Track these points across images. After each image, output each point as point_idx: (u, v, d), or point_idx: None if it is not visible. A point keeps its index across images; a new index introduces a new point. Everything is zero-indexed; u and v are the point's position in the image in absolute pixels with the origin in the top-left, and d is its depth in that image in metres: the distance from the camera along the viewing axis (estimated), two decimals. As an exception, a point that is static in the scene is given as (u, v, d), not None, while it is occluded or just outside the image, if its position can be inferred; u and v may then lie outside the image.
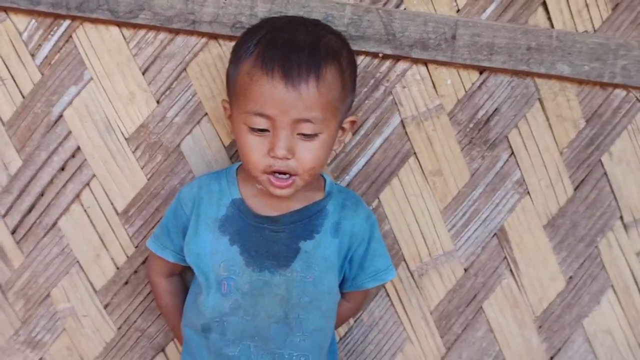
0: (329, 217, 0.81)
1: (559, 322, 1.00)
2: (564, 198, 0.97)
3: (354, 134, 0.94)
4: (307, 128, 0.72)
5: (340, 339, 1.00)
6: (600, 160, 0.96)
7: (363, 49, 0.89)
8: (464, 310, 0.99)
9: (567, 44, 0.89)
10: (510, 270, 0.99)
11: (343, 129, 0.80)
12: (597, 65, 0.90)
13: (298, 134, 0.72)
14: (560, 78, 0.92)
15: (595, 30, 0.91)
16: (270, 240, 0.79)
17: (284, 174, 0.73)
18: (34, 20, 0.91)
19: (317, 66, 0.71)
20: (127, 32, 0.91)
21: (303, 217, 0.80)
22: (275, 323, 0.79)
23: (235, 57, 0.76)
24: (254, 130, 0.73)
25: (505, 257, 0.98)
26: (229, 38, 0.90)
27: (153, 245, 0.87)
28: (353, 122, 0.82)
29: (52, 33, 0.92)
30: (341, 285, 0.85)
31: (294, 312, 0.79)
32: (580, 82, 0.93)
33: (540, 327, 1.00)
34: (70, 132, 0.94)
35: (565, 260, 0.99)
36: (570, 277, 0.99)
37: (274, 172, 0.73)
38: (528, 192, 0.97)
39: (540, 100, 0.94)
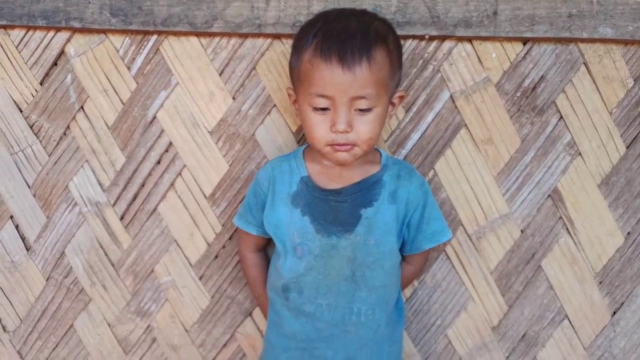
0: (386, 187, 0.90)
1: (620, 277, 1.02)
2: (616, 156, 1.00)
3: (406, 110, 1.03)
4: (362, 104, 0.82)
5: (407, 300, 1.09)
6: (651, 117, 0.98)
7: (410, 33, 0.98)
8: (523, 269, 1.05)
9: (608, 7, 0.92)
10: (567, 229, 1.03)
11: (393, 103, 0.89)
12: (641, 25, 0.93)
13: (355, 109, 0.82)
14: (604, 41, 0.96)
15: (636, -8, 0.94)
16: (335, 209, 0.89)
17: (345, 145, 0.84)
18: (127, 38, 1.08)
19: (368, 49, 0.81)
20: (204, 41, 1.06)
21: (362, 188, 0.89)
22: (344, 280, 0.89)
23: (297, 49, 0.87)
24: (317, 109, 0.83)
25: (561, 217, 1.03)
26: (290, 36, 1.01)
27: (238, 222, 1.01)
28: (402, 97, 0.91)
29: (143, 47, 1.08)
30: (402, 249, 0.94)
31: (359, 270, 0.88)
32: (625, 42, 0.96)
33: (600, 282, 1.03)
34: (163, 130, 1.09)
35: (622, 216, 1.01)
36: (629, 233, 1.01)
37: (336, 144, 0.84)
38: (580, 153, 1.01)
39: (586, 64, 0.98)
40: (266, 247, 1.05)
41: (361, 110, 0.83)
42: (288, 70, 0.94)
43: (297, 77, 0.87)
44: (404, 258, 0.97)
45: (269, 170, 0.95)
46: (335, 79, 0.80)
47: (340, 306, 0.89)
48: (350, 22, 0.84)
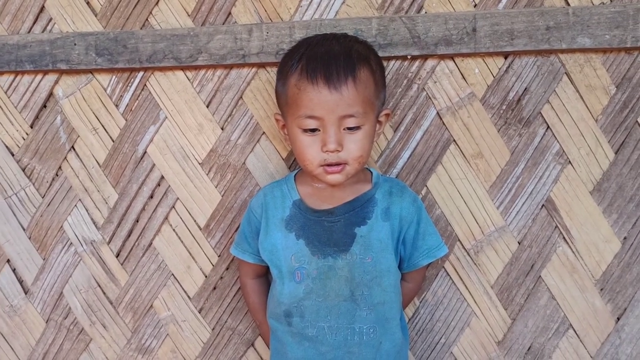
0: (379, 204, 0.90)
1: (620, 282, 1.02)
2: (606, 162, 1.00)
3: (395, 130, 1.03)
4: (351, 122, 0.83)
5: (409, 319, 1.08)
6: (637, 121, 0.99)
7: (393, 54, 0.99)
8: (523, 280, 1.04)
9: (584, 17, 0.94)
10: (564, 237, 1.02)
11: (380, 122, 0.91)
12: (618, 33, 0.94)
13: (344, 128, 0.84)
14: (583, 50, 0.97)
15: (611, 1, 0.96)
16: (329, 230, 0.89)
17: (337, 165, 0.84)
18: (114, 77, 1.09)
19: (353, 69, 0.83)
20: (190, 74, 1.07)
21: (355, 207, 0.90)
22: (343, 301, 0.88)
23: (282, 74, 0.89)
24: (306, 131, 0.84)
25: (557, 226, 1.02)
26: (275, 64, 1.03)
27: (234, 251, 1.00)
28: (387, 115, 0.93)
29: (130, 84, 1.09)
30: (400, 266, 0.94)
31: (358, 289, 0.88)
32: (604, 51, 0.97)
33: (601, 289, 1.03)
34: (154, 165, 1.10)
35: (617, 222, 1.01)
36: (625, 238, 1.01)
37: (327, 165, 0.84)
38: (569, 162, 1.01)
39: (568, 74, 0.99)
40: (266, 273, 1.04)
41: (350, 128, 0.84)
42: (275, 97, 0.95)
43: (284, 102, 0.88)
44: (402, 276, 0.96)
45: (261, 197, 0.95)
46: (323, 99, 0.82)
47: (342, 327, 0.88)
48: (333, 45, 0.86)
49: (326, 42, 0.88)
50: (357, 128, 0.84)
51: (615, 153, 1.00)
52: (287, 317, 0.91)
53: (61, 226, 1.13)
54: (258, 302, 1.02)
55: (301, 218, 0.91)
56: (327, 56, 0.84)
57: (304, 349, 0.90)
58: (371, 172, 0.95)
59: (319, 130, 0.84)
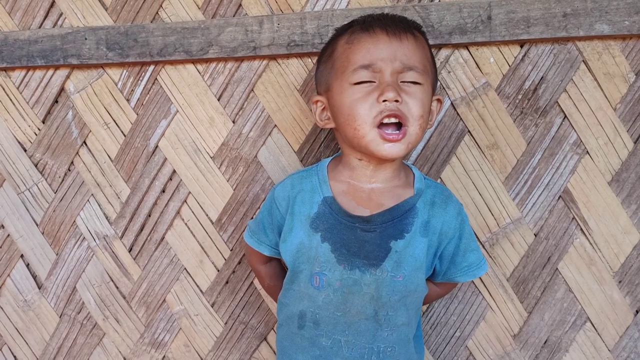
0: (419, 216, 0.78)
1: (639, 274, 1.00)
2: (625, 152, 0.98)
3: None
4: (411, 75, 0.73)
5: (424, 313, 1.06)
6: (657, 110, 0.97)
7: (406, 44, 0.97)
8: (540, 273, 1.02)
9: (602, 3, 0.92)
10: (581, 229, 1.01)
11: (431, 110, 0.81)
12: (638, 18, 0.92)
13: (402, 82, 0.73)
14: (601, 37, 0.95)
15: (630, -14, 0.93)
16: (361, 239, 0.77)
17: (395, 117, 0.72)
18: (125, 71, 1.09)
19: (411, 28, 0.76)
20: (201, 67, 1.06)
21: (394, 217, 0.77)
22: (365, 319, 0.78)
23: (328, 49, 0.80)
24: (360, 84, 0.73)
25: (574, 218, 1.00)
26: (286, 56, 1.02)
27: (250, 240, 0.91)
28: (439, 101, 0.83)
29: (141, 79, 1.08)
30: (433, 276, 0.86)
31: (383, 309, 0.78)
32: (623, 37, 0.95)
33: (620, 282, 1.01)
34: (166, 159, 1.09)
35: (636, 213, 0.99)
36: (645, 229, 0.99)
37: (383, 122, 0.72)
38: (587, 152, 0.99)
39: (585, 62, 0.97)
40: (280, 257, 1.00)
41: (409, 82, 0.73)
42: (314, 83, 0.87)
43: (329, 71, 0.78)
44: (434, 282, 0.90)
45: (288, 188, 0.84)
46: (381, 46, 0.73)
47: (359, 345, 0.79)
48: (388, 15, 0.81)
49: (377, 14, 0.80)
50: (417, 84, 0.73)
51: (635, 143, 0.98)
52: (300, 319, 0.82)
53: (74, 221, 1.13)
54: (274, 285, 0.95)
55: (330, 219, 0.79)
56: (384, 17, 0.77)
57: (315, 356, 0.81)
58: (414, 174, 0.83)
59: (375, 82, 0.73)
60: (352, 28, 0.78)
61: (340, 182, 0.82)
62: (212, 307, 1.12)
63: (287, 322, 0.85)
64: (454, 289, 1.05)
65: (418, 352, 0.87)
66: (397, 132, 0.73)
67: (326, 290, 0.78)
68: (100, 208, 1.12)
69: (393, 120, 0.72)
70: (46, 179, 1.13)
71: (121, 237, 1.13)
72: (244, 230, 1.08)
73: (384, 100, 0.71)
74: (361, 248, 0.77)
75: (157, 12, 1.06)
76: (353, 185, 0.81)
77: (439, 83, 1.01)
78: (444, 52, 1.00)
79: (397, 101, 0.72)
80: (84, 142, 1.12)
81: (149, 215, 1.11)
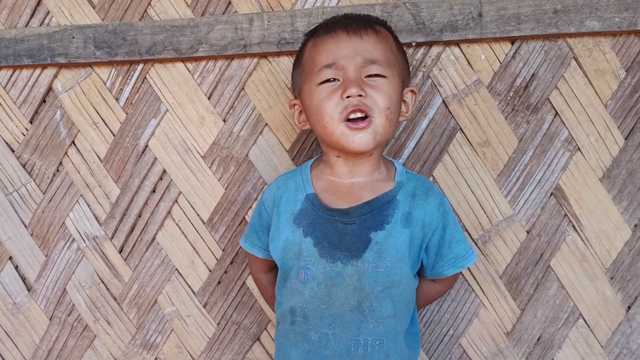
0: (400, 208, 0.80)
1: (631, 271, 1.00)
2: (616, 149, 0.98)
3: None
4: (374, 69, 0.76)
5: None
6: (648, 106, 0.97)
7: (397, 42, 0.97)
8: (532, 270, 1.02)
9: (592, 0, 0.92)
10: (573, 226, 1.01)
11: (404, 101, 0.83)
12: (628, 15, 0.92)
13: (366, 76, 0.76)
14: (592, 34, 0.95)
15: (620, -18, 0.94)
16: (341, 232, 0.79)
17: (360, 112, 0.74)
18: (113, 70, 1.07)
19: (372, 24, 0.80)
20: (191, 66, 1.05)
21: (373, 208, 0.79)
22: (349, 311, 0.79)
23: (299, 54, 0.85)
24: (325, 82, 0.76)
25: (566, 214, 1.01)
26: (277, 54, 1.01)
27: (244, 244, 0.94)
28: (413, 92, 0.84)
29: (129, 77, 1.07)
30: (423, 271, 0.87)
31: (367, 301, 0.79)
32: (613, 34, 0.95)
33: (612, 278, 1.01)
34: (156, 159, 1.08)
35: (627, 209, 0.99)
36: (636, 225, 0.99)
37: (349, 117, 0.74)
38: (579, 148, 0.99)
39: (576, 59, 0.97)
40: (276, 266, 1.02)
41: (373, 76, 0.76)
42: (291, 86, 0.90)
43: (300, 74, 0.83)
44: (429, 279, 0.90)
45: (274, 190, 0.87)
46: (342, 44, 0.76)
47: (345, 337, 0.80)
48: (352, 15, 0.85)
49: (344, 15, 0.86)
50: (381, 77, 0.76)
51: (625, 139, 0.98)
52: (292, 315, 0.84)
53: (63, 222, 1.12)
54: (275, 295, 0.94)
55: (312, 214, 0.81)
56: (346, 17, 0.82)
57: (306, 351, 0.82)
58: (396, 168, 0.85)
59: (339, 80, 0.76)
60: (317, 32, 0.82)
61: (322, 180, 0.84)
62: (204, 307, 1.11)
63: (282, 319, 0.87)
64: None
65: (411, 349, 0.87)
66: (364, 122, 0.75)
67: (311, 283, 0.80)
68: (90, 209, 1.11)
69: (359, 115, 0.75)
70: (35, 180, 1.12)
71: (111, 238, 1.11)
72: (236, 230, 1.07)
73: (348, 97, 0.74)
74: (342, 240, 0.79)
75: (145, 10, 1.05)
76: (334, 182, 0.83)
77: (430, 80, 1.00)
78: (435, 50, 0.99)
79: (360, 95, 0.74)
80: (73, 142, 1.10)
81: (140, 216, 1.10)
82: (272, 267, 0.97)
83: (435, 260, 0.84)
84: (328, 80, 0.76)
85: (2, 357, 1.18)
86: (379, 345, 0.80)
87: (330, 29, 0.79)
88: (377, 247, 0.78)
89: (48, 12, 1.07)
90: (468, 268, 1.03)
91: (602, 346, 1.03)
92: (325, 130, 0.77)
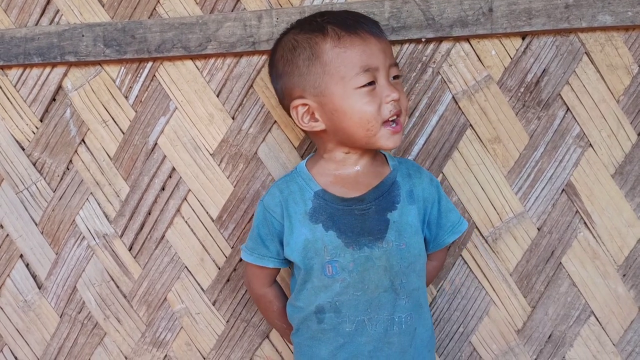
0: (402, 187, 0.86)
1: (645, 267, 0.99)
2: (628, 145, 0.97)
3: (409, 115, 1.01)
4: (395, 70, 0.82)
5: (427, 308, 1.06)
6: (661, 102, 0.96)
7: (406, 38, 0.96)
8: (543, 267, 1.02)
9: (605, -6, 0.91)
10: (585, 223, 1.00)
11: None
12: (641, 9, 0.91)
13: (392, 77, 0.82)
14: (604, 29, 0.94)
15: (633, -24, 0.92)
16: (361, 218, 0.83)
17: (398, 114, 0.81)
18: (123, 68, 1.08)
19: (378, 23, 0.86)
20: (199, 63, 1.05)
21: (383, 191, 0.84)
22: (384, 292, 0.83)
23: (304, 52, 0.80)
24: (363, 87, 0.78)
25: (577, 211, 1.00)
26: (285, 51, 1.01)
27: (250, 258, 0.92)
28: None
29: (139, 75, 1.07)
30: (425, 247, 0.90)
31: (397, 278, 0.83)
32: (626, 28, 0.94)
33: (624, 275, 1.00)
34: (165, 157, 1.08)
35: (640, 205, 0.99)
36: (649, 222, 0.99)
37: (389, 120, 0.80)
38: (590, 145, 0.98)
39: (588, 54, 0.96)
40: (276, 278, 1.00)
41: (395, 77, 0.83)
42: (284, 91, 0.86)
43: (319, 75, 0.80)
44: (427, 256, 0.93)
45: (277, 195, 0.87)
46: (374, 48, 0.79)
47: (382, 319, 0.83)
48: (345, 12, 0.87)
49: (326, 12, 0.87)
50: (399, 77, 0.84)
51: (638, 135, 0.97)
52: (319, 314, 0.84)
53: (73, 220, 1.12)
54: (282, 307, 0.96)
55: (327, 208, 0.83)
56: (348, 14, 0.84)
57: (337, 346, 0.84)
58: (383, 154, 0.91)
59: (374, 84, 0.79)
60: (328, 29, 0.80)
61: (326, 176, 0.87)
62: (213, 305, 1.11)
63: (304, 323, 0.87)
64: (444, 274, 1.04)
65: (431, 321, 0.92)
66: (399, 126, 0.82)
67: (341, 275, 0.82)
68: (100, 207, 1.12)
69: (395, 117, 0.81)
70: (45, 178, 1.12)
71: (121, 236, 1.12)
72: (245, 227, 1.07)
73: (391, 101, 0.80)
74: (364, 226, 0.83)
75: (154, 8, 1.05)
76: (339, 175, 0.86)
77: (439, 76, 1.00)
78: (445, 45, 0.99)
79: (398, 99, 0.80)
80: (83, 140, 1.11)
81: (149, 214, 1.10)
82: (274, 280, 0.98)
83: (436, 231, 0.90)
84: (365, 85, 0.79)
85: (13, 354, 1.19)
86: (410, 319, 0.85)
87: (352, 29, 0.79)
88: (395, 226, 0.83)
89: (58, 11, 1.08)
90: (478, 266, 1.03)
91: (614, 344, 1.02)
92: (368, 132, 0.80)
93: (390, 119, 0.81)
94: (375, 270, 0.82)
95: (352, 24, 0.80)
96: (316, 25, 0.82)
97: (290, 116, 0.87)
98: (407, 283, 0.84)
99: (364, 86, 0.79)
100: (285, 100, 0.87)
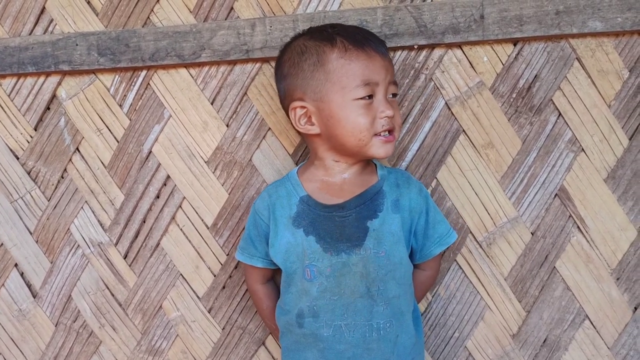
0: (387, 196, 0.87)
1: (637, 271, 0.99)
2: (620, 149, 0.98)
3: (403, 122, 1.02)
4: (394, 88, 0.86)
5: (422, 314, 1.06)
6: (651, 106, 0.97)
7: (399, 45, 0.97)
8: (537, 272, 1.02)
9: (595, 0, 0.92)
10: (578, 227, 1.00)
11: None
12: (631, 15, 0.92)
13: (390, 94, 0.86)
14: (594, 35, 0.95)
15: (622, -18, 0.93)
16: (340, 225, 0.85)
17: (390, 131, 0.85)
18: (117, 76, 1.08)
19: (386, 45, 0.89)
20: (193, 71, 1.06)
21: (365, 200, 0.86)
22: (360, 298, 0.84)
23: (311, 57, 0.83)
24: (360, 99, 0.82)
25: (571, 216, 1.00)
26: (279, 59, 1.02)
27: (241, 257, 0.97)
28: None
29: (133, 84, 1.08)
30: (412, 257, 0.92)
31: (374, 285, 0.84)
32: (616, 34, 0.95)
33: (618, 279, 1.00)
34: (160, 164, 1.09)
35: (632, 209, 0.99)
36: (642, 225, 0.99)
37: (381, 132, 0.84)
38: (582, 149, 0.99)
39: (579, 59, 0.97)
40: (274, 276, 1.02)
41: (393, 95, 0.86)
42: (287, 89, 0.87)
43: (321, 82, 0.83)
44: (417, 265, 0.95)
45: (266, 199, 0.91)
46: (378, 64, 0.83)
47: (359, 325, 0.84)
48: (352, 26, 0.90)
49: (337, 24, 0.90)
50: (396, 96, 0.88)
51: (630, 139, 0.98)
52: (299, 318, 0.87)
53: (68, 229, 1.12)
54: (272, 306, 0.99)
55: (310, 214, 0.87)
56: (359, 30, 0.87)
57: (319, 350, 0.85)
58: (374, 164, 0.93)
59: (372, 98, 0.83)
60: (337, 40, 0.83)
61: (314, 182, 0.90)
62: (209, 312, 1.11)
63: (288, 327, 0.89)
64: (439, 280, 1.04)
65: (417, 329, 0.93)
66: (392, 136, 0.86)
67: (319, 279, 0.85)
68: (95, 215, 1.11)
69: (387, 132, 0.86)
70: (39, 187, 1.12)
71: (116, 244, 1.12)
72: (240, 234, 1.08)
73: (384, 117, 0.83)
74: (342, 233, 0.85)
75: (148, 17, 1.05)
76: (326, 182, 0.89)
77: (432, 83, 1.01)
78: (437, 52, 0.99)
79: (392, 116, 0.84)
80: (77, 148, 1.11)
81: (144, 222, 1.10)
82: (269, 278, 1.01)
83: (423, 242, 0.91)
84: (363, 97, 0.82)
85: (8, 363, 1.19)
86: (389, 326, 0.85)
87: (359, 44, 0.83)
88: (375, 234, 0.85)
89: (52, 20, 1.08)
90: (473, 271, 1.03)
91: (608, 347, 1.02)
92: (360, 142, 0.84)
93: (382, 133, 0.84)
94: (352, 276, 0.84)
95: (360, 39, 0.83)
96: (326, 34, 0.85)
97: (287, 116, 0.89)
98: (385, 290, 0.85)
99: (362, 98, 0.82)
100: (285, 100, 0.90)
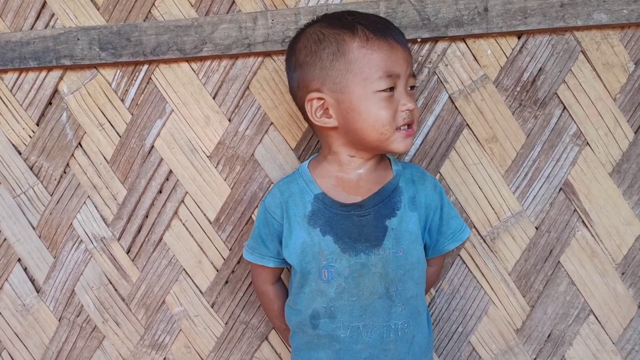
0: (404, 193, 0.85)
1: (643, 265, 0.99)
2: (625, 143, 0.97)
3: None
4: (412, 81, 0.83)
5: (425, 309, 1.06)
6: (657, 99, 0.96)
7: (402, 38, 0.96)
8: (542, 266, 1.01)
9: (600, -8, 0.91)
10: (583, 221, 1.00)
11: None
12: (637, 7, 0.91)
13: (409, 87, 0.83)
14: (600, 27, 0.94)
15: (628, -26, 0.92)
16: (359, 224, 0.82)
17: (410, 124, 0.82)
18: (119, 71, 1.08)
19: (405, 37, 0.86)
20: (195, 65, 1.05)
21: (383, 197, 0.83)
22: (378, 299, 0.82)
23: (330, 46, 0.79)
24: (382, 91, 0.78)
25: (575, 210, 0.99)
26: (281, 53, 1.01)
27: (251, 257, 0.93)
28: None
29: (134, 78, 1.07)
30: (425, 252, 0.89)
31: (393, 285, 0.82)
32: (622, 26, 0.94)
33: (623, 273, 1.00)
34: (162, 159, 1.08)
35: (638, 203, 0.98)
36: (647, 220, 0.98)
37: (402, 126, 0.81)
38: (587, 143, 0.98)
39: (584, 52, 0.96)
40: (280, 277, 1.01)
41: (411, 88, 0.84)
42: (302, 81, 0.83)
43: (342, 72, 0.79)
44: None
45: (278, 196, 0.87)
46: (400, 55, 0.80)
47: (377, 326, 0.83)
48: (381, 18, 0.86)
49: (354, 11, 0.85)
50: (414, 88, 0.86)
51: (635, 133, 0.97)
52: (313, 319, 0.84)
53: (71, 224, 1.12)
54: (282, 307, 0.97)
55: (326, 213, 0.83)
56: (380, 20, 0.83)
57: (334, 351, 0.84)
58: (389, 159, 0.90)
59: (393, 90, 0.80)
60: (358, 28, 0.79)
61: (328, 178, 0.86)
62: (212, 307, 1.11)
63: (300, 327, 0.87)
64: (443, 275, 1.04)
65: (429, 328, 0.92)
66: (413, 129, 0.83)
67: (337, 280, 0.82)
68: (97, 210, 1.11)
69: (407, 125, 0.83)
70: (42, 182, 1.12)
71: (119, 239, 1.12)
72: (242, 229, 1.07)
73: (406, 110, 0.81)
74: (361, 233, 0.82)
75: (149, 11, 1.05)
76: (341, 178, 0.86)
77: (435, 76, 1.00)
78: (440, 45, 0.98)
79: (413, 109, 0.82)
80: (79, 143, 1.10)
81: (147, 216, 1.10)
82: (278, 278, 0.99)
83: (436, 238, 0.89)
84: (385, 90, 0.79)
85: (12, 358, 1.19)
86: (407, 327, 0.84)
87: (382, 33, 0.79)
88: (393, 233, 0.82)
89: (53, 15, 1.08)
90: (477, 266, 1.03)
91: (613, 342, 1.02)
92: (382, 135, 0.80)
93: (402, 126, 0.81)
94: (371, 277, 0.82)
95: (382, 29, 0.80)
96: (346, 22, 0.80)
97: (299, 107, 0.86)
98: (404, 290, 0.83)
99: (383, 90, 0.78)
100: (299, 91, 0.84)
